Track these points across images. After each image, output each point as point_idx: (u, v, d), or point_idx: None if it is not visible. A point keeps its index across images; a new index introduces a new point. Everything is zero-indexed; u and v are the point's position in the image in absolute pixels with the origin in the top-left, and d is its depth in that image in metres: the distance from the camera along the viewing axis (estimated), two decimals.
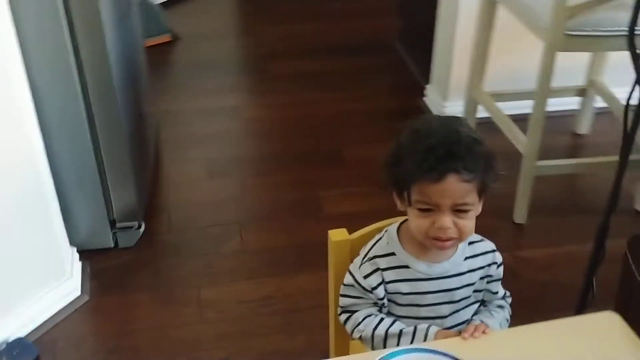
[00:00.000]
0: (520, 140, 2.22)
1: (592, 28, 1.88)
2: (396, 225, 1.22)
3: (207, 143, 2.69)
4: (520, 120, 2.48)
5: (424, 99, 2.93)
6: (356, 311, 1.21)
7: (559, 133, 2.74)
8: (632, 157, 2.28)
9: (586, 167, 2.30)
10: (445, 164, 1.05)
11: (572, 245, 2.20)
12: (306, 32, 3.58)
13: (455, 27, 2.57)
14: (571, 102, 2.69)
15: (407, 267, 1.17)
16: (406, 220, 1.20)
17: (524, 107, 2.65)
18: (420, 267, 1.17)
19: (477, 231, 1.15)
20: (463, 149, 1.06)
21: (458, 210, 1.08)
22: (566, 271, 2.11)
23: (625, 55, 2.12)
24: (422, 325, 1.17)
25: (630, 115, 1.23)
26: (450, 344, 1.05)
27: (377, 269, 1.17)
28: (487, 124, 2.65)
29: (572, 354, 1.02)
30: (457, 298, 1.19)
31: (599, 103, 2.68)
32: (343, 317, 1.24)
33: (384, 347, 1.18)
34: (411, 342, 1.16)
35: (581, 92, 2.61)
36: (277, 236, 2.21)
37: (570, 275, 2.12)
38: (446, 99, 2.76)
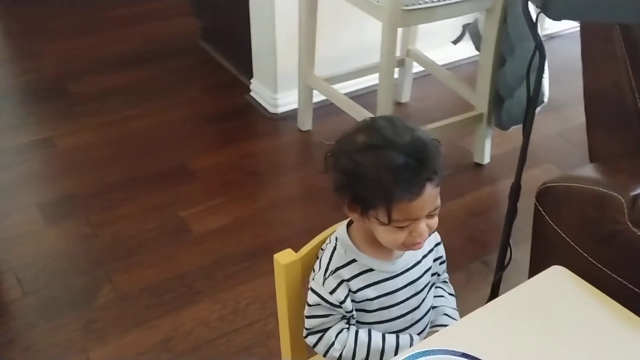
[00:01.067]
0: (367, 117, 2.25)
1: (426, 0, 1.96)
2: (344, 229, 1.16)
3: (29, 186, 2.34)
4: (355, 98, 2.53)
5: (251, 94, 2.85)
6: (326, 329, 1.14)
7: None
8: (466, 115, 2.48)
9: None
10: (420, 177, 1.01)
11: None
12: (96, 45, 3.28)
13: (274, 17, 2.51)
14: None
15: (370, 270, 1.13)
16: (350, 222, 1.15)
17: (354, 85, 2.75)
18: (384, 266, 1.14)
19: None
20: (431, 155, 1.03)
21: (430, 214, 1.06)
22: (441, 231, 2.20)
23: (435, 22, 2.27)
24: (405, 337, 1.15)
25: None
26: (445, 337, 1.03)
27: (342, 281, 1.12)
28: (324, 108, 2.68)
29: (547, 314, 1.04)
30: (421, 287, 1.19)
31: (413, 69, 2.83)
32: (312, 339, 1.16)
33: (367, 356, 1.13)
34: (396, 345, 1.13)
35: (400, 62, 2.73)
36: (151, 271, 2.00)
37: (445, 234, 2.22)
38: (276, 91, 2.71)
